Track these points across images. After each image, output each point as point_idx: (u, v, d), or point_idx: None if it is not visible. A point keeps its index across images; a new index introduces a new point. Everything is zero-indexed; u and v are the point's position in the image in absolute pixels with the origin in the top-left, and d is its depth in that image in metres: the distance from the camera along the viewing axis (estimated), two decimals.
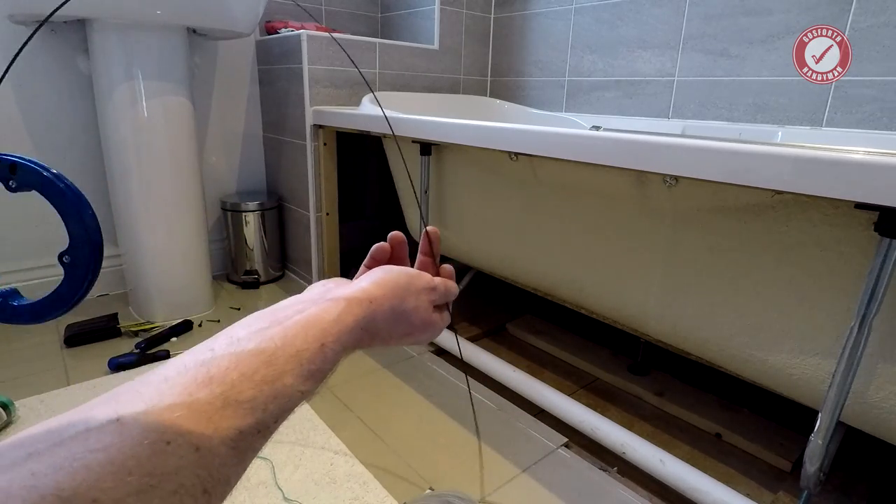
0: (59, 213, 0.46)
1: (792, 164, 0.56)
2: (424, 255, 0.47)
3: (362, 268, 0.45)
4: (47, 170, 0.46)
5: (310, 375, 0.28)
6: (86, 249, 0.47)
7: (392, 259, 0.46)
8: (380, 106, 0.94)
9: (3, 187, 0.46)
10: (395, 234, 0.46)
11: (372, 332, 0.35)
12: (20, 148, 1.29)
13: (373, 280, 0.37)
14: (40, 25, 0.56)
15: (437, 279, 0.42)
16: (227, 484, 0.23)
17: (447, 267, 0.47)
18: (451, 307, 0.46)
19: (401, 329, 0.38)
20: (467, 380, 1.10)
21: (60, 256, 0.47)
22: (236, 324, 0.29)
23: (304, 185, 1.49)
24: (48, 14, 0.55)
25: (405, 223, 1.44)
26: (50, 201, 0.46)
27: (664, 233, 0.83)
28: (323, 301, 0.32)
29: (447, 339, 1.24)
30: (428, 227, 0.47)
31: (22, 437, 0.21)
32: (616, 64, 1.46)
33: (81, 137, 1.37)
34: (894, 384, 0.64)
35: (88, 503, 0.18)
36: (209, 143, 1.61)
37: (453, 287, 0.45)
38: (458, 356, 1.21)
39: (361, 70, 1.49)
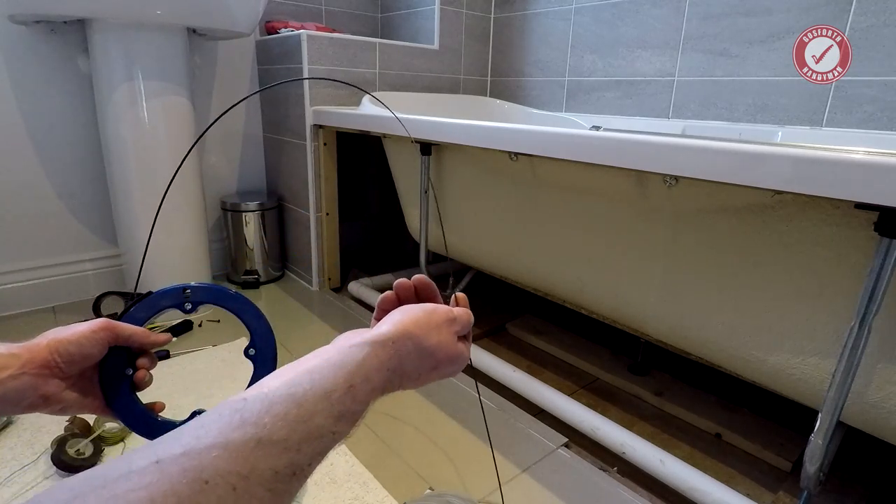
0: (237, 315, 0.52)
1: (792, 164, 0.56)
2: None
3: (372, 320, 0.45)
4: (213, 287, 0.53)
5: (340, 416, 0.29)
6: (269, 338, 0.52)
7: (402, 304, 0.45)
8: (387, 107, 0.94)
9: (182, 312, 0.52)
10: (400, 281, 0.46)
11: (399, 373, 0.35)
12: (20, 148, 1.29)
13: (392, 322, 0.37)
14: None
15: (457, 309, 0.42)
16: None
17: (461, 295, 0.47)
18: (470, 336, 0.46)
19: (427, 365, 0.38)
20: (477, 386, 1.10)
21: (246, 351, 0.52)
22: (267, 376, 0.31)
23: (304, 185, 1.50)
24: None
25: (405, 223, 1.44)
26: (224, 308, 0.52)
27: (664, 233, 0.83)
28: (346, 347, 0.33)
29: None
30: (416, 276, 0.47)
31: (67, 481, 0.22)
32: (616, 64, 1.46)
33: (81, 137, 1.37)
34: (894, 384, 0.64)
35: None
36: (209, 143, 1.61)
37: (470, 314, 0.45)
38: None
39: (361, 70, 1.50)
